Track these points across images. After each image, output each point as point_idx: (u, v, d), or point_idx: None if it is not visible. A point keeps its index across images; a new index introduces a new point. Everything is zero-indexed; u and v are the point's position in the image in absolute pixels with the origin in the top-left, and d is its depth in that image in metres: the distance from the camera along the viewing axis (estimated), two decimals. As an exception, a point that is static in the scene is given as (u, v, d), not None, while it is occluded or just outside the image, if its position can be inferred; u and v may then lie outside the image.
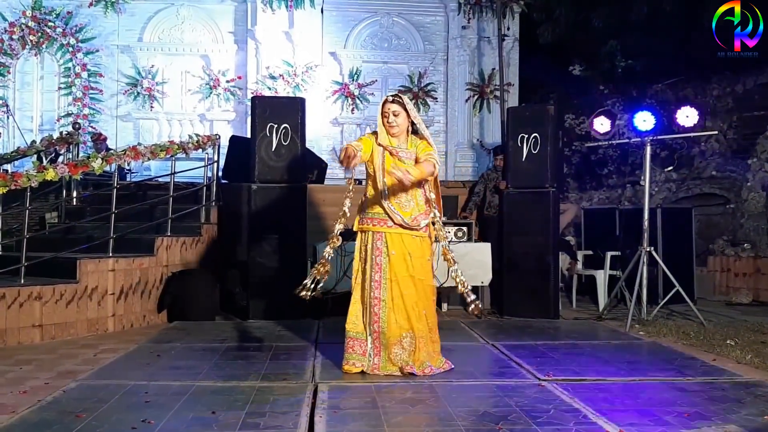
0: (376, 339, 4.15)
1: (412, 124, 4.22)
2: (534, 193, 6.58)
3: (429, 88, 10.89)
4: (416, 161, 4.15)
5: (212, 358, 4.58)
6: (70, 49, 10.37)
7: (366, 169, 4.28)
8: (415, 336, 4.10)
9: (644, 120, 6.34)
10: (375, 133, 4.24)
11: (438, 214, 4.26)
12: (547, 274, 6.48)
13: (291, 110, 6.47)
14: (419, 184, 4.15)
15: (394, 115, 4.14)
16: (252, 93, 9.98)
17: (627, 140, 7.33)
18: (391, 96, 4.22)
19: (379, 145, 4.18)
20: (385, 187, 4.14)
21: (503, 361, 4.57)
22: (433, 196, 4.26)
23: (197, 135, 7.29)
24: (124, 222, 6.54)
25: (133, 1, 10.50)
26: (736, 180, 9.57)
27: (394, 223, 4.12)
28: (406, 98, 4.25)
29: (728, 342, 5.27)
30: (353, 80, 10.79)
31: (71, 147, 7.90)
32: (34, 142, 8.14)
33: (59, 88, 10.47)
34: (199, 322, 6.03)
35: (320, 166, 8.64)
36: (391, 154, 4.16)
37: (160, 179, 8.14)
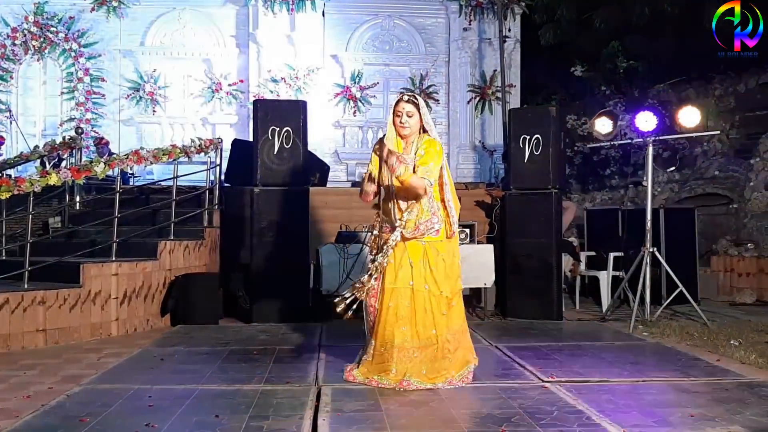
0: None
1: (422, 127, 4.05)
2: (536, 194, 6.58)
3: (430, 90, 10.90)
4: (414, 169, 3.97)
5: (216, 361, 4.59)
6: (73, 53, 10.40)
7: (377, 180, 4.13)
8: (394, 347, 3.90)
9: (646, 120, 6.34)
10: (381, 140, 4.07)
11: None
12: (550, 276, 6.47)
13: (293, 113, 6.48)
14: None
15: (408, 116, 3.94)
16: (254, 96, 10.00)
17: (629, 141, 7.33)
18: (407, 95, 4.01)
19: (381, 152, 4.01)
20: (393, 199, 4.02)
21: (506, 363, 4.56)
22: (449, 196, 4.07)
23: (199, 139, 7.30)
24: (127, 226, 6.55)
25: (135, 5, 10.53)
26: (739, 180, 9.55)
27: (401, 234, 3.98)
28: (421, 100, 4.04)
29: (732, 342, 5.25)
30: (355, 83, 10.81)
31: (74, 151, 7.92)
32: (37, 147, 8.15)
33: (62, 93, 10.50)
34: (202, 326, 6.03)
35: (322, 169, 8.65)
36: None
37: (162, 183, 8.14)
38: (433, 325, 3.93)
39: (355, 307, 3.97)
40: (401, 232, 3.95)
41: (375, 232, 4.17)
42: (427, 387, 3.85)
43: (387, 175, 4.01)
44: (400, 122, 3.96)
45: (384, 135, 4.11)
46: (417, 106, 3.98)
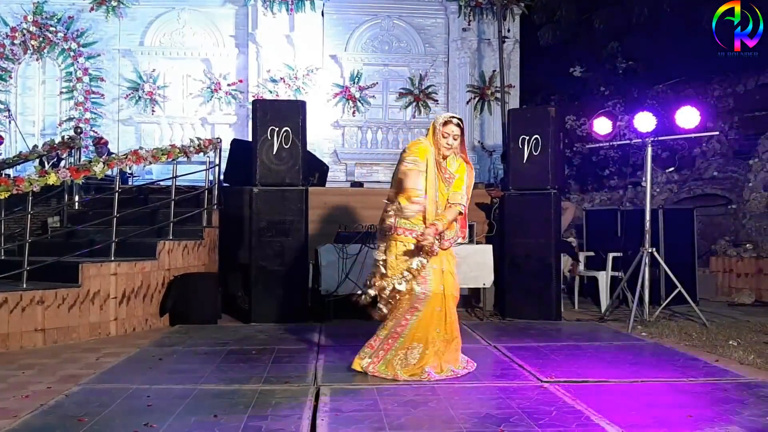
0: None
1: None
2: (535, 194, 6.58)
3: (430, 90, 10.91)
4: None
5: (214, 361, 4.58)
6: (72, 53, 10.41)
7: None
8: (428, 345, 4.16)
9: (645, 121, 6.34)
10: (425, 145, 4.19)
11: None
12: (549, 276, 6.47)
13: (292, 113, 6.48)
14: None
15: (454, 139, 4.14)
16: (253, 96, 10.01)
17: (628, 141, 7.33)
18: (456, 119, 4.19)
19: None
20: (435, 206, 4.15)
21: (505, 363, 4.56)
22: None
23: (199, 138, 7.30)
24: (126, 226, 6.54)
25: (134, 5, 10.54)
26: (737, 180, 9.56)
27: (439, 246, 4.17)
28: (464, 124, 4.31)
29: (731, 343, 5.26)
30: (354, 83, 10.82)
31: (73, 151, 7.92)
32: (36, 146, 8.16)
33: (61, 93, 10.51)
34: (201, 326, 6.03)
35: (321, 169, 8.65)
36: (439, 171, 4.18)
37: (161, 183, 8.15)
38: (453, 324, 4.30)
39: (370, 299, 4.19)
40: (439, 246, 4.13)
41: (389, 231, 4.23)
42: (459, 373, 4.20)
43: (432, 191, 4.13)
44: (447, 143, 4.16)
45: (423, 138, 4.29)
46: (463, 130, 4.23)
